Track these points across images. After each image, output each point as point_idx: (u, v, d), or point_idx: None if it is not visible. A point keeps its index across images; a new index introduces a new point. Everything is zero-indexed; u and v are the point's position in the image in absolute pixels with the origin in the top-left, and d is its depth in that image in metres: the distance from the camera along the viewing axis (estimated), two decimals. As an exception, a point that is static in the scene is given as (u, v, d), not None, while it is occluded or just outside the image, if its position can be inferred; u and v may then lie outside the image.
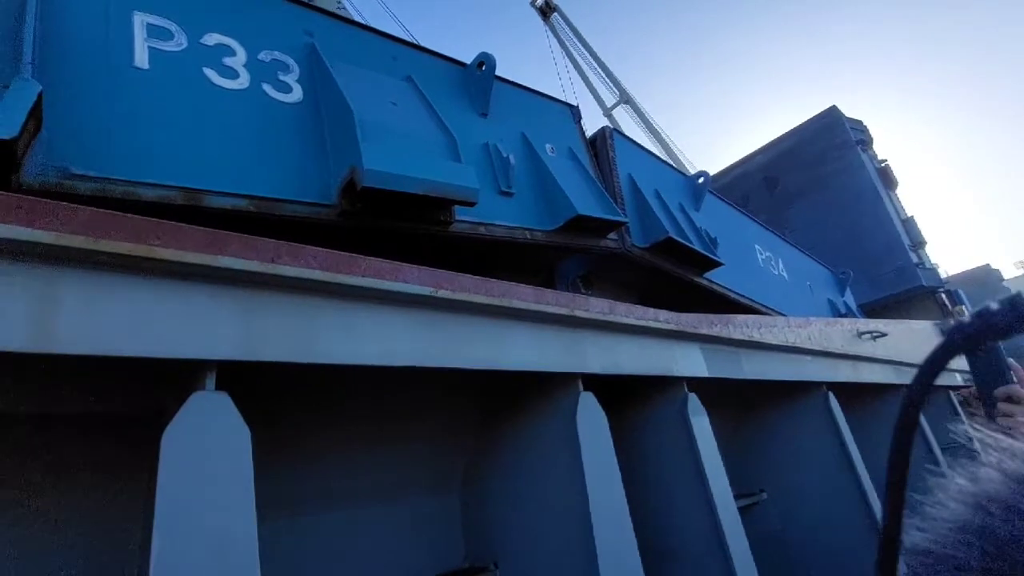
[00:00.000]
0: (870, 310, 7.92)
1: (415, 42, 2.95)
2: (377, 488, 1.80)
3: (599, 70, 16.95)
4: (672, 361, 2.13)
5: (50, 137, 1.47)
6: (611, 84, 16.82)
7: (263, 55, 2.13)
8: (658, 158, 4.51)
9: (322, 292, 1.21)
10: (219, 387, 1.03)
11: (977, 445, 0.36)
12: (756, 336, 2.54)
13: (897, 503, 0.38)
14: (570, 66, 17.20)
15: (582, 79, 17.22)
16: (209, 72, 1.93)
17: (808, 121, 9.90)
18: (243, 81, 2.01)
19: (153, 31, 1.85)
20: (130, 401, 1.19)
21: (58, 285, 0.90)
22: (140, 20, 1.84)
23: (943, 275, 8.81)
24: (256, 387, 1.14)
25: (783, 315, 4.36)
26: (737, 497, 2.17)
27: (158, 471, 0.92)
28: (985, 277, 12.18)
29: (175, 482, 0.93)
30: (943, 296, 8.11)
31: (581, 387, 1.74)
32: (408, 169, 1.99)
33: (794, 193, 9.68)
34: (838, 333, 3.35)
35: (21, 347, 0.84)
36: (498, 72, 2.95)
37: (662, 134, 15.91)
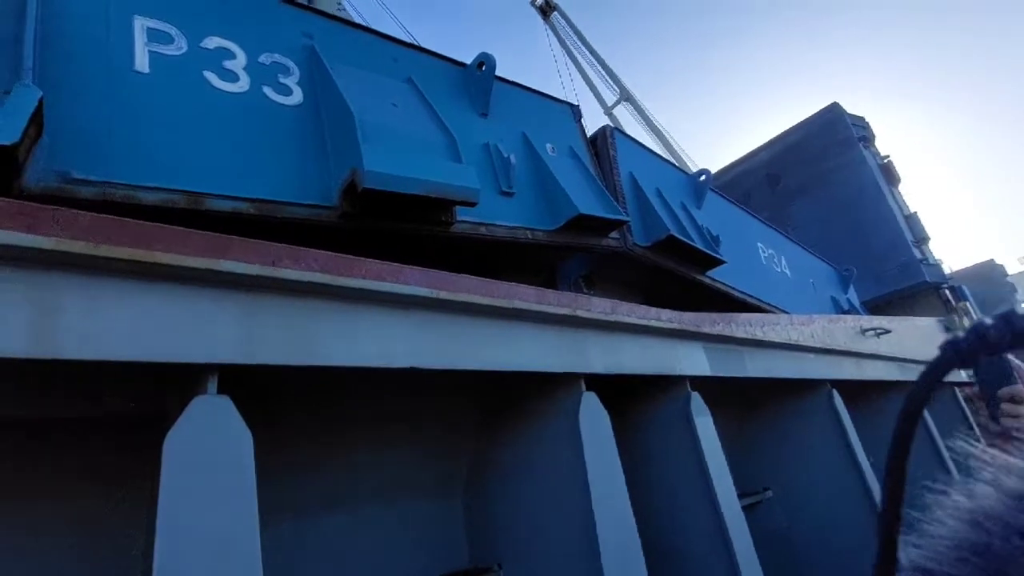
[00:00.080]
0: (874, 307, 7.89)
1: (415, 43, 2.95)
2: (380, 490, 1.80)
3: (599, 68, 16.93)
4: (675, 360, 2.12)
5: (51, 142, 1.47)
6: (612, 82, 16.79)
7: (263, 58, 2.13)
8: (659, 156, 4.50)
9: (323, 295, 1.21)
10: (221, 391, 1.03)
11: (973, 461, 0.36)
12: (759, 334, 2.54)
13: (894, 515, 0.38)
14: (570, 65, 17.18)
15: (582, 78, 17.21)
16: (209, 75, 1.93)
17: (810, 118, 9.87)
18: (243, 84, 2.01)
19: (153, 35, 1.86)
20: (132, 405, 1.20)
21: (59, 291, 0.90)
22: (140, 24, 1.84)
23: (947, 271, 8.77)
24: (258, 390, 1.14)
25: (786, 313, 4.35)
26: (741, 496, 2.17)
27: (160, 475, 0.92)
28: (989, 273, 12.12)
29: (177, 486, 0.93)
30: (947, 292, 8.07)
31: (583, 387, 1.73)
32: (409, 170, 1.99)
33: (796, 190, 9.65)
34: (841, 330, 3.34)
35: (22, 353, 0.84)
36: (498, 72, 2.95)
37: (663, 132, 15.88)
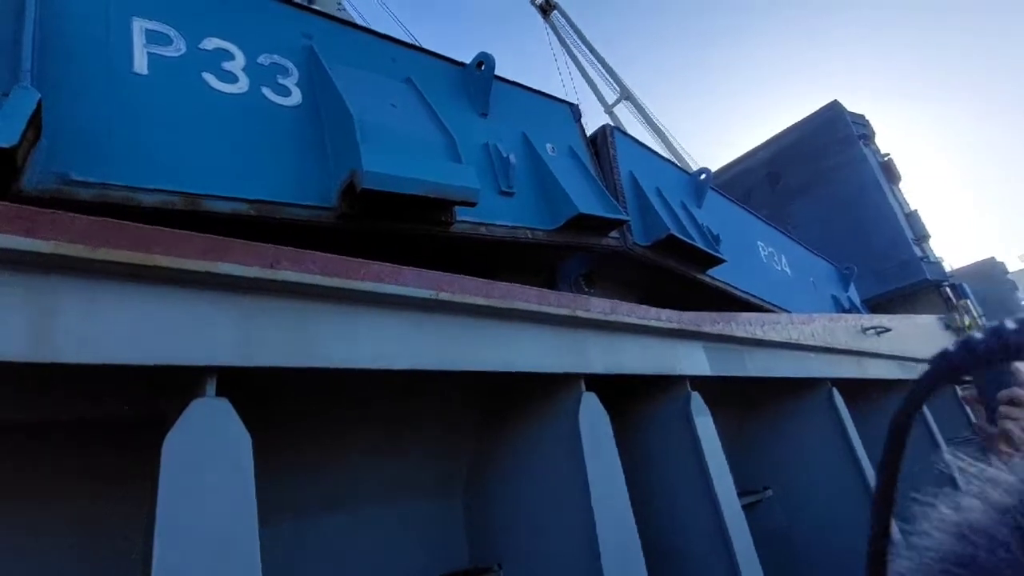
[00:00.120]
0: (875, 305, 7.88)
1: (415, 43, 2.94)
2: (380, 490, 1.80)
3: (600, 67, 16.90)
4: (675, 360, 2.12)
5: (50, 144, 1.47)
6: (612, 81, 16.77)
7: (262, 59, 2.13)
8: (659, 155, 4.49)
9: (322, 297, 1.21)
10: (219, 393, 1.03)
11: (961, 474, 0.36)
12: (759, 334, 2.54)
13: (884, 525, 0.38)
14: (571, 63, 17.16)
15: (583, 76, 17.17)
16: (208, 76, 1.93)
17: (810, 116, 9.85)
18: (242, 85, 2.00)
19: (152, 36, 1.85)
20: (130, 408, 1.20)
21: (58, 294, 0.90)
22: (139, 26, 1.84)
23: (948, 269, 8.76)
24: (257, 392, 1.14)
25: (787, 311, 4.35)
26: (742, 495, 2.17)
27: (159, 478, 0.92)
28: (990, 270, 12.10)
29: (176, 489, 0.93)
30: (948, 290, 8.06)
31: (583, 388, 1.73)
32: (408, 170, 1.98)
33: (796, 188, 9.64)
34: (842, 329, 3.34)
35: (21, 356, 0.84)
36: (498, 71, 2.94)
37: (664, 131, 15.86)
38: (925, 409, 3.72)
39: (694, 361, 2.21)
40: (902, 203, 8.96)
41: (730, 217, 4.74)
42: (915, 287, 8.04)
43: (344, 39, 2.52)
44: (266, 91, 2.07)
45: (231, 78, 1.99)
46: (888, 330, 3.73)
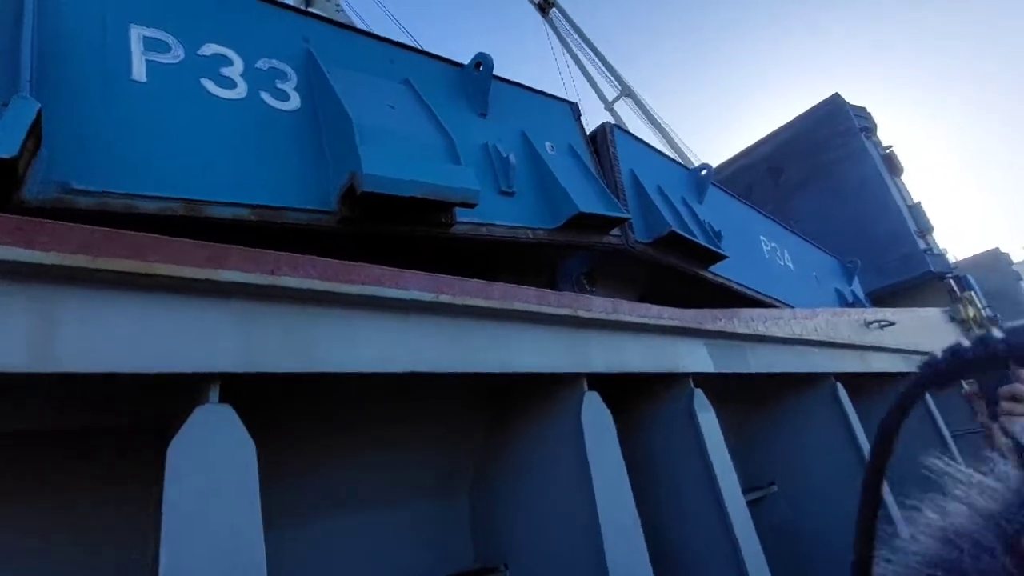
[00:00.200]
0: (878, 298, 7.84)
1: (414, 44, 2.94)
2: (385, 492, 1.81)
3: (599, 64, 16.85)
4: (677, 357, 2.12)
5: (50, 153, 1.48)
6: (612, 78, 16.72)
7: (260, 63, 2.13)
8: (660, 152, 4.48)
9: (323, 301, 1.22)
10: (222, 399, 1.04)
11: (947, 479, 0.36)
12: (762, 329, 2.53)
13: (870, 527, 0.38)
14: (570, 61, 17.11)
15: (583, 74, 17.13)
16: (207, 83, 1.93)
17: (811, 109, 9.80)
18: (241, 90, 2.01)
19: (150, 44, 1.86)
20: (134, 415, 1.20)
21: (58, 304, 0.91)
22: (137, 33, 1.84)
23: (951, 260, 8.72)
24: (260, 397, 1.14)
25: (790, 306, 4.34)
26: (747, 491, 2.17)
27: (164, 485, 0.93)
28: (994, 262, 12.02)
29: (181, 495, 0.93)
30: (952, 282, 8.02)
31: (586, 387, 1.73)
32: (407, 173, 1.99)
33: (798, 182, 9.60)
34: (845, 323, 3.33)
35: (23, 368, 0.85)
36: (497, 70, 2.94)
37: (665, 127, 15.81)
38: (931, 403, 3.70)
39: (697, 358, 2.20)
40: (905, 195, 8.91)
41: (732, 213, 4.73)
42: (919, 280, 8.00)
43: (342, 42, 2.53)
44: (265, 96, 2.07)
45: (230, 84, 2.00)
46: (892, 323, 3.72)
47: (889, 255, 8.16)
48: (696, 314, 2.21)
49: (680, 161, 5.53)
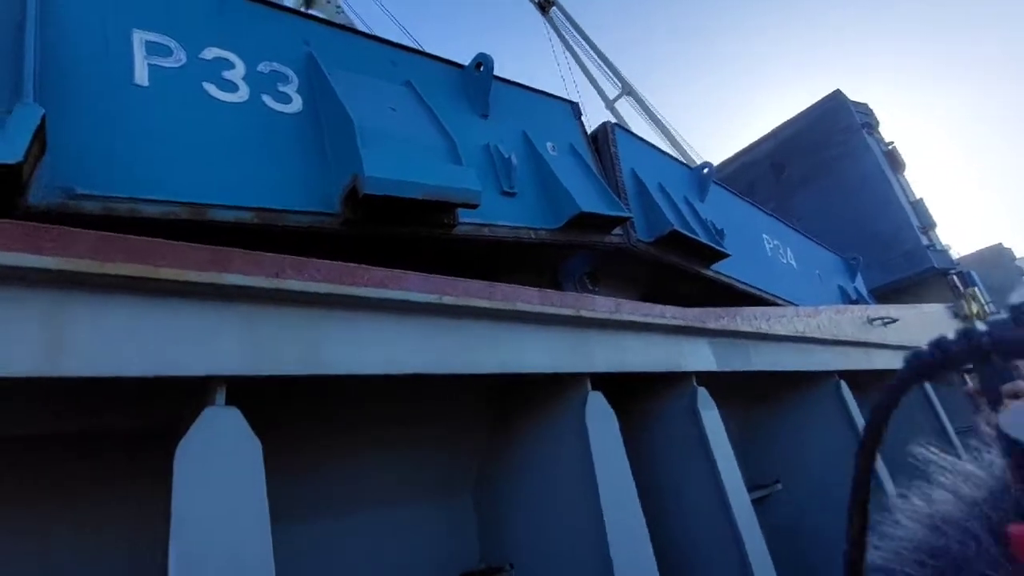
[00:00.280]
0: (881, 294, 7.83)
1: (414, 46, 2.95)
2: (391, 492, 1.82)
3: (600, 63, 16.83)
4: (680, 356, 2.12)
5: (54, 159, 1.49)
6: (613, 76, 16.70)
7: (262, 67, 2.14)
8: (661, 151, 4.48)
9: (327, 304, 1.22)
10: (229, 401, 1.05)
11: (933, 467, 0.37)
12: (764, 327, 2.53)
13: (861, 521, 0.38)
14: (571, 60, 17.09)
15: (583, 72, 17.11)
16: (209, 86, 1.94)
17: (812, 106, 9.79)
18: (243, 94, 2.02)
19: (152, 48, 1.87)
20: (140, 418, 1.21)
21: (66, 309, 0.91)
22: (139, 38, 1.85)
23: (955, 256, 8.70)
24: (266, 399, 1.15)
25: (793, 304, 4.33)
26: (752, 489, 2.17)
27: (172, 487, 0.93)
28: (997, 257, 11.99)
29: (190, 497, 0.94)
30: (955, 278, 8.00)
31: (589, 387, 1.74)
32: (409, 174, 1.99)
33: (800, 180, 9.58)
34: (848, 320, 3.33)
35: (32, 371, 0.86)
36: (498, 70, 2.94)
37: (666, 125, 15.78)
38: (934, 399, 3.70)
39: (700, 357, 2.21)
40: (907, 191, 8.89)
41: (734, 211, 4.73)
42: (922, 276, 7.98)
43: (343, 44, 2.53)
44: (267, 99, 2.08)
45: (231, 87, 2.00)
46: (895, 320, 3.71)
47: (892, 251, 8.15)
48: (699, 313, 2.21)
49: (681, 159, 5.53)
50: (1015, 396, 0.99)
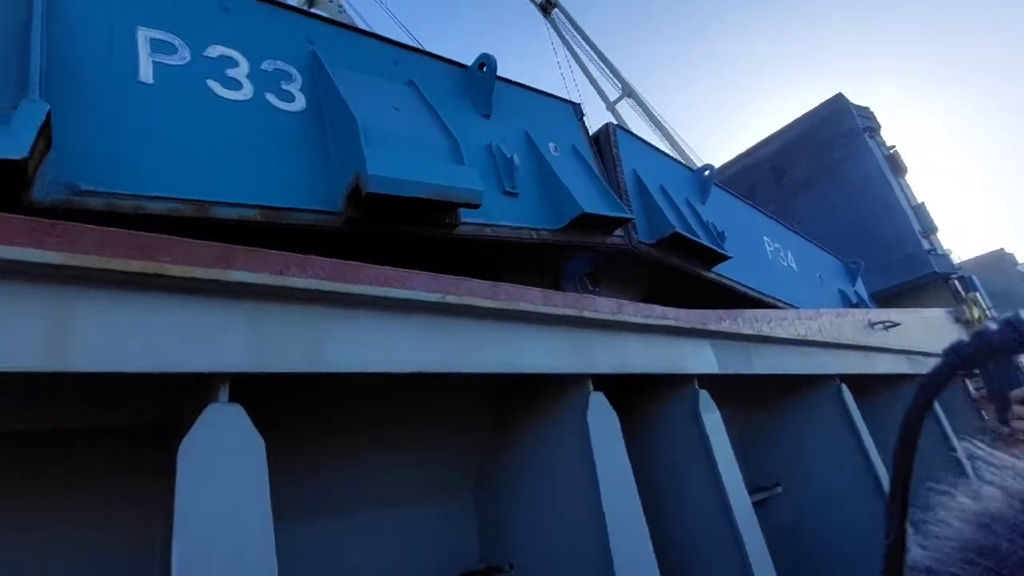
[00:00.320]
0: (882, 298, 7.83)
1: (416, 45, 2.95)
2: (391, 491, 1.82)
3: (601, 64, 16.84)
4: (682, 358, 2.12)
5: (59, 155, 1.49)
6: (614, 78, 16.71)
7: (266, 65, 2.14)
8: (663, 153, 4.49)
9: (330, 302, 1.22)
10: (232, 398, 1.05)
11: (979, 463, 0.36)
12: (766, 330, 2.53)
13: (901, 519, 0.38)
14: (572, 61, 17.11)
15: (584, 74, 17.12)
16: (213, 84, 1.94)
17: (814, 109, 9.79)
18: (247, 92, 2.02)
19: (157, 46, 1.87)
20: (145, 414, 1.21)
21: (72, 304, 0.91)
22: (144, 35, 1.85)
23: (956, 261, 8.70)
24: (269, 396, 1.15)
25: (794, 307, 4.33)
26: (752, 491, 2.17)
27: (176, 482, 0.93)
28: (999, 262, 11.99)
29: (193, 493, 0.94)
30: (956, 283, 8.00)
31: (591, 387, 1.74)
32: (412, 174, 1.99)
33: (802, 183, 9.59)
34: (849, 324, 3.33)
35: (38, 367, 0.86)
36: (500, 71, 2.95)
37: (667, 127, 15.79)
38: (936, 407, 3.70)
39: (701, 359, 2.20)
40: (908, 195, 8.89)
41: (735, 213, 4.73)
42: (923, 280, 7.98)
43: (346, 43, 2.54)
44: (270, 97, 2.08)
45: (236, 85, 2.01)
46: (896, 324, 3.71)
47: (893, 256, 8.15)
48: (700, 315, 2.21)
49: (682, 161, 5.53)
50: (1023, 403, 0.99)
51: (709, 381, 2.20)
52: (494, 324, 1.53)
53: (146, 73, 1.81)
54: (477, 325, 1.49)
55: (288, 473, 1.30)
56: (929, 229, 8.43)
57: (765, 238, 5.04)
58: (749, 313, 2.51)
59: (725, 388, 2.35)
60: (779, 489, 2.98)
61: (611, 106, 16.80)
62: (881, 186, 8.64)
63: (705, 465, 2.03)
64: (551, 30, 17.40)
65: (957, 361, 0.37)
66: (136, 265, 0.95)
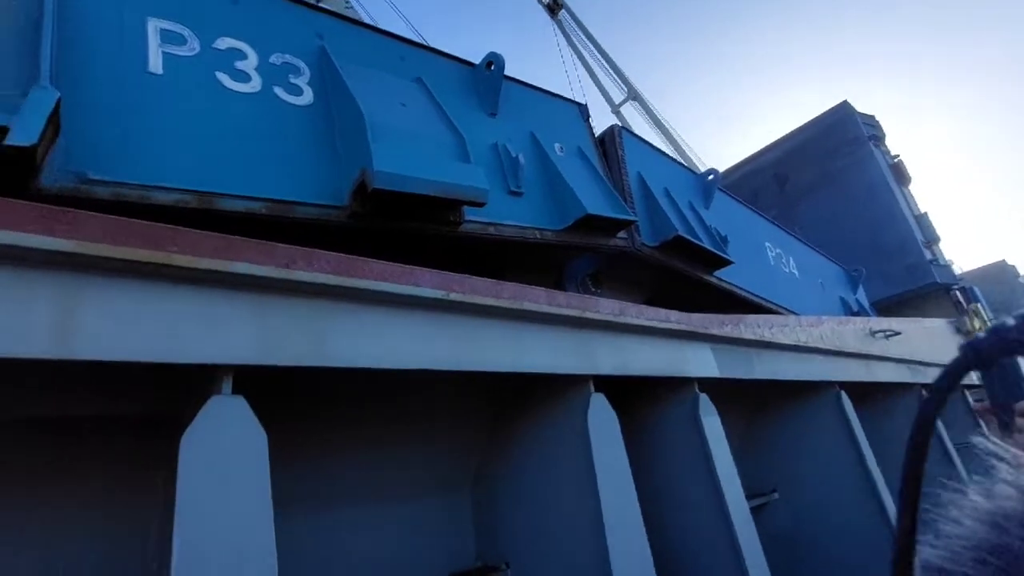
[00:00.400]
0: (883, 307, 7.82)
1: (423, 42, 2.95)
2: (390, 488, 1.82)
3: (607, 66, 16.85)
4: (683, 362, 2.12)
5: (67, 143, 1.49)
6: (619, 80, 16.72)
7: (274, 58, 2.14)
8: (667, 156, 4.49)
9: (335, 296, 1.22)
10: (235, 391, 1.05)
11: (992, 460, 0.36)
12: (767, 336, 2.53)
13: (912, 516, 0.38)
14: (578, 63, 17.12)
15: (590, 76, 17.13)
16: (221, 76, 1.94)
17: (819, 117, 9.78)
18: (255, 84, 2.02)
19: (167, 36, 1.87)
20: (148, 404, 1.21)
21: (78, 292, 0.91)
22: (154, 26, 1.85)
23: (958, 272, 8.68)
24: (271, 389, 1.15)
25: (795, 314, 4.33)
26: (749, 497, 2.17)
27: (177, 474, 0.93)
28: (1000, 274, 11.99)
29: (194, 485, 0.94)
30: (958, 293, 7.99)
31: (592, 388, 1.74)
32: (418, 170, 1.99)
33: (805, 190, 9.58)
34: (850, 332, 3.33)
35: (43, 354, 0.86)
36: (505, 70, 2.95)
37: (671, 131, 15.80)
38: (937, 422, 3.69)
39: (702, 363, 2.21)
40: (912, 205, 8.89)
41: (738, 218, 4.73)
42: (924, 290, 7.98)
43: (355, 38, 2.54)
44: (278, 90, 2.08)
45: (244, 77, 2.01)
46: (897, 333, 3.71)
47: (895, 265, 8.14)
48: (703, 318, 2.21)
49: (686, 165, 5.53)
50: None
51: (709, 385, 2.20)
52: (497, 322, 1.53)
53: (155, 63, 1.81)
54: (480, 323, 1.49)
55: (288, 466, 1.30)
56: (932, 239, 8.42)
57: (767, 244, 5.04)
58: (751, 318, 2.51)
59: (725, 392, 2.35)
60: (776, 495, 2.98)
61: (616, 108, 16.81)
62: (885, 195, 8.63)
63: (704, 469, 2.04)
64: (557, 31, 17.41)
65: (972, 356, 0.37)
66: (144, 254, 0.95)
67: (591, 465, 1.62)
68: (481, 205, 2.22)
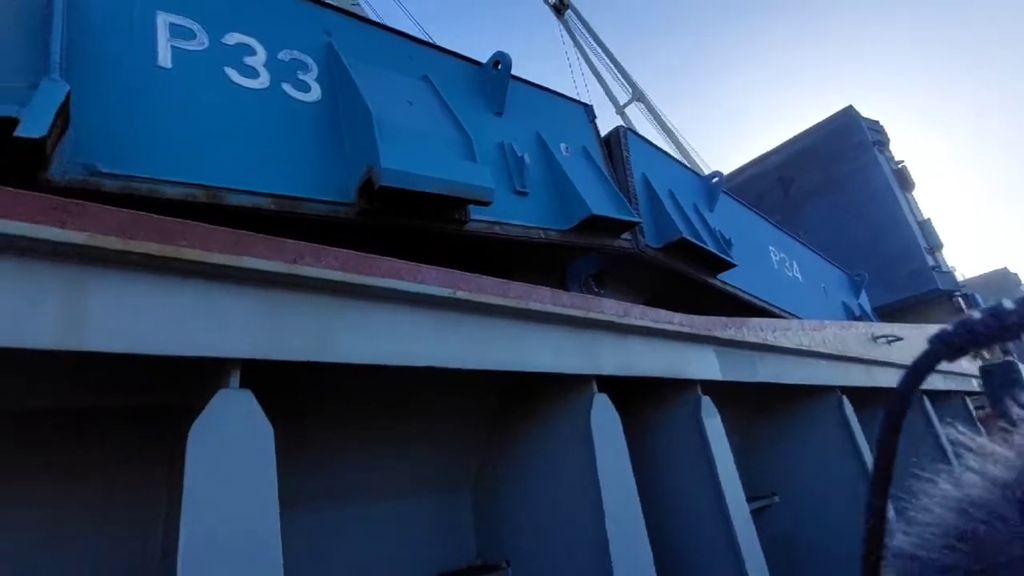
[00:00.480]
0: (886, 313, 7.82)
1: (431, 41, 2.95)
2: (393, 484, 1.82)
3: (612, 67, 16.83)
4: (686, 363, 2.12)
5: (77, 135, 1.50)
6: (624, 82, 16.70)
7: (282, 54, 2.14)
8: (672, 158, 4.48)
9: (343, 292, 1.23)
10: (243, 384, 1.05)
11: (959, 449, 0.37)
12: (770, 339, 2.53)
13: (880, 509, 0.38)
14: (583, 63, 17.11)
15: (595, 76, 17.12)
16: (230, 71, 1.95)
17: (824, 121, 9.79)
18: (263, 80, 2.02)
19: (176, 31, 1.88)
20: (156, 396, 1.22)
21: (89, 284, 0.92)
22: (163, 20, 1.86)
23: (960, 278, 8.68)
24: (278, 384, 1.15)
25: (797, 318, 4.33)
26: (749, 499, 2.17)
27: (185, 466, 0.94)
28: (1002, 281, 11.99)
29: (201, 477, 0.95)
30: (960, 300, 7.99)
31: (595, 388, 1.74)
32: (424, 168, 2.00)
33: (809, 194, 9.58)
34: (853, 337, 3.33)
35: (53, 345, 0.86)
36: (512, 69, 2.95)
37: (676, 133, 15.78)
38: (934, 419, 3.69)
39: (705, 365, 2.21)
40: (915, 211, 8.88)
41: (742, 221, 4.73)
42: (927, 296, 7.98)
43: (363, 36, 2.54)
44: (286, 87, 2.09)
45: (252, 73, 2.01)
46: (899, 339, 3.71)
47: (897, 270, 8.14)
48: (706, 321, 2.21)
49: (691, 168, 5.53)
50: None
51: (712, 387, 2.21)
52: (503, 322, 1.53)
53: (165, 58, 1.81)
54: (486, 322, 1.50)
55: (294, 460, 1.31)
56: (935, 245, 8.42)
57: (771, 247, 5.04)
58: (754, 321, 2.51)
59: (727, 394, 2.35)
60: (776, 498, 2.98)
61: (620, 109, 16.79)
62: (888, 200, 8.63)
63: (705, 470, 2.04)
64: (563, 31, 17.40)
65: (941, 347, 0.38)
66: (155, 248, 0.95)
67: (593, 464, 1.62)
68: (487, 204, 2.22)
